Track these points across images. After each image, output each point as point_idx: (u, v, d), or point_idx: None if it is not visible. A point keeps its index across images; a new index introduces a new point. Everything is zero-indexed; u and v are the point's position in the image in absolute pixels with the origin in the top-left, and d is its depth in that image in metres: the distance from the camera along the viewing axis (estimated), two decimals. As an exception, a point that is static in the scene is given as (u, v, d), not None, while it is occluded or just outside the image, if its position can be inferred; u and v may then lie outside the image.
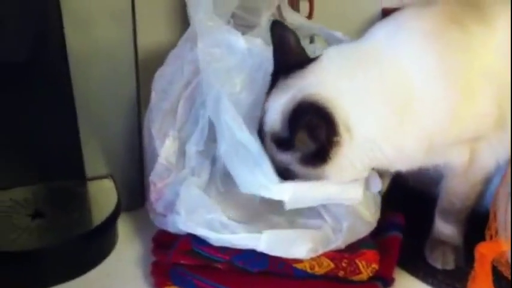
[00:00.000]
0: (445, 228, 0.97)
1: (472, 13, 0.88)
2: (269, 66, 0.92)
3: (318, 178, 0.87)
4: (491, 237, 0.88)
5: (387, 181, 1.03)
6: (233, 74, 0.92)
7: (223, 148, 0.88)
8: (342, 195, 0.89)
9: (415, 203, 1.03)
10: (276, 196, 0.86)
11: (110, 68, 1.02)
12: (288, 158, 0.87)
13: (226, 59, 0.93)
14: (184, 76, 0.98)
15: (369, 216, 0.93)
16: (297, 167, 0.87)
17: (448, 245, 0.96)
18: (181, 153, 0.97)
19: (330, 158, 0.84)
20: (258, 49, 0.95)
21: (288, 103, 0.85)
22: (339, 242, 0.90)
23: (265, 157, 0.87)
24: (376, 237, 0.95)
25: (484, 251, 0.80)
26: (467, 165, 0.92)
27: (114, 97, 1.04)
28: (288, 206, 0.87)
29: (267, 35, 1.14)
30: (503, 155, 0.92)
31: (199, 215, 0.89)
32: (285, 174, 0.88)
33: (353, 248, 0.91)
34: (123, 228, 1.06)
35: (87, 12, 0.98)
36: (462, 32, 0.86)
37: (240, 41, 0.95)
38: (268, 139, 0.88)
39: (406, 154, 0.87)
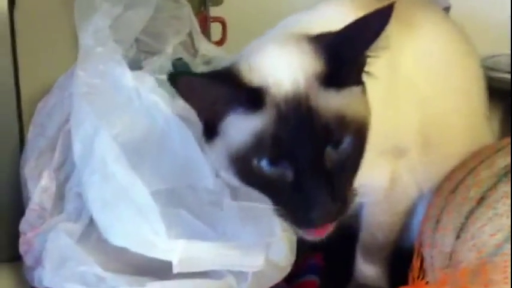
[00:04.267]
0: (367, 270, 0.92)
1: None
2: (157, 113, 0.82)
3: None
4: (413, 280, 0.80)
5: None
6: (113, 113, 0.81)
7: (92, 193, 0.77)
8: (243, 261, 0.78)
9: (336, 241, 0.91)
10: (162, 255, 0.75)
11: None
12: None
13: (107, 94, 0.82)
14: (64, 109, 0.88)
15: (282, 259, 0.82)
16: None
17: (371, 289, 0.89)
18: (60, 196, 0.86)
19: None
20: (148, 90, 0.84)
21: None
22: (244, 292, 0.78)
23: (154, 206, 0.75)
24: (291, 282, 0.87)
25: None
26: (388, 189, 0.86)
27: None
28: (177, 269, 0.75)
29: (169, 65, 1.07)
30: (427, 183, 0.87)
31: (68, 269, 0.77)
32: None
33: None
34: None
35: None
36: None
37: (126, 77, 0.84)
38: None
39: None
